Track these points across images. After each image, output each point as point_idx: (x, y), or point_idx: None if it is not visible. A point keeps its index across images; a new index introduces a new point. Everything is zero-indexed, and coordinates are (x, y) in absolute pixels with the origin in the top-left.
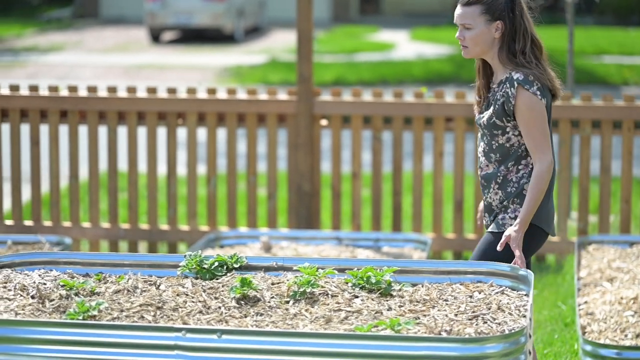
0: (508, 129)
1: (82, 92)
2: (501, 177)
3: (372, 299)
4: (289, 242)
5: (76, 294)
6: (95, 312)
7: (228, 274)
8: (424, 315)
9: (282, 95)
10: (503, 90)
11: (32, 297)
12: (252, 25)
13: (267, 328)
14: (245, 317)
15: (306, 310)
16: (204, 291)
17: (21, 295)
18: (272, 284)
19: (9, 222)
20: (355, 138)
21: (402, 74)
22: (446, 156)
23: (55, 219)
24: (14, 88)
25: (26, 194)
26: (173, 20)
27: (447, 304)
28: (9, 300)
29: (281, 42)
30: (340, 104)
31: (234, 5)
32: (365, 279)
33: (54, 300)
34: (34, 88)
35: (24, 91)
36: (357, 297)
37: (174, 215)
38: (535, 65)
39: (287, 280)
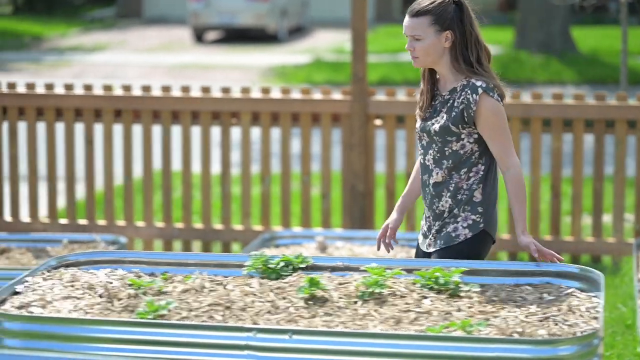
0: (463, 136)
1: (136, 92)
2: (453, 185)
3: (441, 300)
4: (344, 242)
5: (144, 293)
6: (164, 312)
7: (294, 274)
8: (494, 317)
9: (337, 95)
10: (462, 97)
11: (100, 296)
12: (295, 25)
13: (337, 328)
14: (314, 317)
15: (375, 311)
16: (272, 291)
17: (89, 294)
18: (339, 284)
19: (63, 221)
20: (410, 138)
21: None
22: None
23: (110, 218)
24: (69, 87)
25: (80, 192)
26: (216, 20)
27: (516, 306)
28: (78, 299)
29: (324, 42)
30: (394, 104)
31: (277, 5)
32: (433, 279)
33: (122, 299)
34: (88, 87)
35: (79, 90)
36: (426, 297)
37: (227, 214)
38: (488, 72)
39: (355, 280)
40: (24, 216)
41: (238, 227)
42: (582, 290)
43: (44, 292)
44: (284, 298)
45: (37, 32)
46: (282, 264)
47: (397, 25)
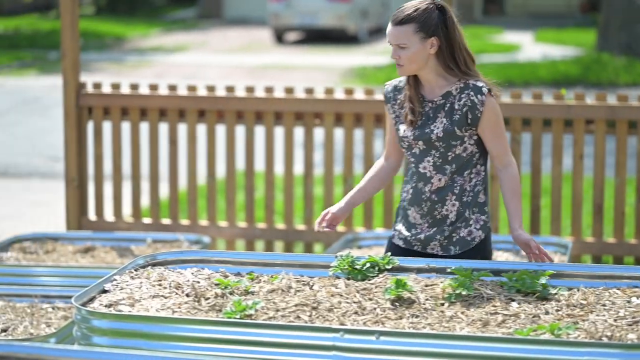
0: (465, 138)
1: (220, 92)
2: (458, 188)
3: (529, 303)
4: None
5: (231, 293)
6: (251, 311)
7: (380, 275)
8: (583, 320)
9: None
10: (464, 99)
11: (187, 295)
12: (376, 25)
13: (424, 330)
14: (401, 318)
15: (462, 313)
16: (358, 292)
17: (176, 293)
18: (426, 285)
19: (147, 220)
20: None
21: (528, 76)
22: (585, 159)
23: (193, 218)
24: (153, 87)
25: (164, 192)
26: (297, 21)
27: (605, 309)
28: (165, 298)
29: None
30: None
31: (357, 6)
32: (520, 282)
33: (209, 298)
34: (172, 88)
35: (163, 90)
36: (513, 300)
37: (310, 215)
38: (479, 74)
39: (441, 282)
40: (108, 215)
41: None
42: None
43: (132, 291)
44: (370, 299)
45: (119, 33)
46: (368, 265)
47: (479, 26)
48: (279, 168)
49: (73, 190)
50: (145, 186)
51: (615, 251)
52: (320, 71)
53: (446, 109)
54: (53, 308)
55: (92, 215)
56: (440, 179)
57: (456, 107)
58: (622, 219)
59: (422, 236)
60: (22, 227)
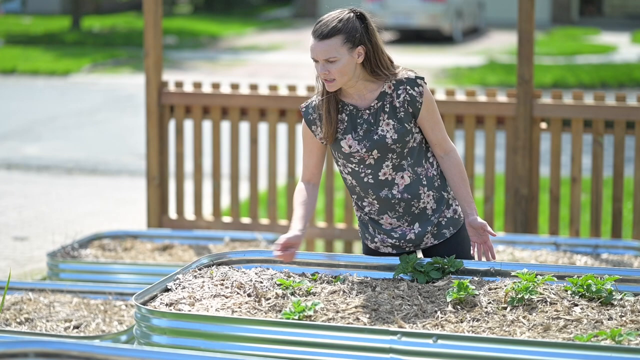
0: (413, 130)
1: (301, 91)
2: (424, 177)
3: (592, 308)
4: (505, 246)
5: (292, 294)
6: (310, 312)
7: (444, 278)
8: None
9: (501, 98)
10: (403, 95)
11: (249, 295)
12: (471, 26)
13: (483, 334)
14: (462, 322)
15: (524, 317)
16: (420, 294)
17: (238, 293)
18: (490, 289)
19: (227, 219)
20: (575, 142)
21: (624, 77)
22: None
23: (272, 217)
24: (235, 87)
25: (244, 191)
26: (391, 21)
27: None
28: (226, 297)
29: (499, 44)
30: (560, 107)
31: (452, 6)
32: (585, 286)
33: (270, 299)
34: (253, 87)
35: (244, 90)
36: (576, 305)
37: None
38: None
39: (505, 285)
40: (189, 214)
41: None
42: None
43: (194, 290)
44: (432, 302)
45: (214, 32)
46: (432, 267)
47: (574, 27)
48: None
49: (154, 188)
50: (225, 185)
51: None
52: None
53: (386, 109)
54: (126, 305)
55: (172, 214)
56: (402, 177)
57: (397, 104)
58: None
59: (411, 236)
60: (106, 224)
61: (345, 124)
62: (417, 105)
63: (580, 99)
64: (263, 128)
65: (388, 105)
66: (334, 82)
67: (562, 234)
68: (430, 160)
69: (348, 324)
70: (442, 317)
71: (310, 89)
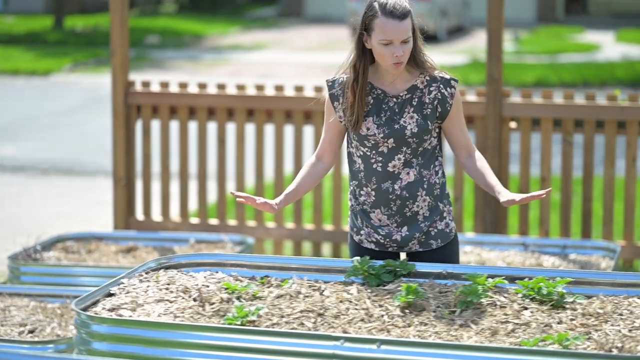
0: (434, 132)
1: (269, 91)
2: (427, 182)
3: (542, 311)
4: (473, 247)
5: (238, 298)
6: (254, 317)
7: (396, 281)
8: (596, 330)
9: (471, 97)
10: (434, 93)
11: (194, 300)
12: (456, 25)
13: (429, 339)
14: (409, 326)
15: (472, 321)
16: (369, 298)
17: (183, 298)
18: (440, 292)
19: (194, 221)
20: (545, 141)
21: (605, 76)
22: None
23: (240, 219)
24: (202, 86)
25: (212, 192)
26: None
27: (621, 319)
28: (170, 302)
29: (484, 43)
30: (530, 106)
31: (437, 5)
32: (536, 289)
33: (214, 303)
34: (221, 87)
35: (212, 89)
36: (526, 308)
37: None
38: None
39: (455, 289)
40: (156, 215)
41: None
42: None
43: (138, 295)
44: (380, 306)
45: (198, 31)
46: (384, 270)
47: (559, 26)
48: None
49: (121, 189)
50: (193, 186)
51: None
52: None
53: (414, 103)
54: None
55: (139, 215)
56: (408, 173)
57: (426, 100)
58: None
59: (397, 237)
60: (78, 226)
61: (370, 106)
62: (447, 106)
63: (550, 98)
64: (231, 128)
65: (416, 100)
66: (402, 64)
67: (532, 234)
68: (437, 168)
69: (292, 329)
70: (388, 322)
71: (278, 88)
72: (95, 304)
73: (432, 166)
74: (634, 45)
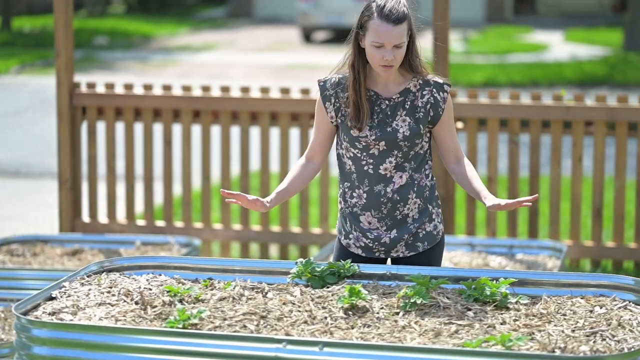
0: (425, 136)
1: (215, 92)
2: (416, 185)
3: (486, 312)
4: None
5: (180, 301)
6: (196, 320)
7: (340, 283)
8: (539, 331)
9: None
10: (427, 97)
11: (136, 303)
12: None
13: (372, 341)
14: (352, 328)
15: (416, 323)
16: (312, 300)
17: (124, 301)
18: (384, 294)
19: (141, 222)
20: (492, 141)
21: (554, 76)
22: (585, 161)
23: (187, 220)
24: (148, 87)
25: (159, 194)
26: (325, 20)
27: (565, 319)
28: (112, 305)
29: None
30: (476, 107)
31: None
32: (479, 290)
33: (156, 306)
34: (167, 88)
35: (157, 90)
36: (470, 309)
37: (305, 217)
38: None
39: (399, 290)
40: (102, 217)
41: (316, 230)
42: (637, 304)
43: (79, 298)
44: (323, 308)
45: (146, 32)
46: (328, 271)
47: (508, 26)
48: (274, 169)
49: (66, 191)
50: (139, 187)
51: (615, 255)
52: None
53: (406, 106)
54: None
55: (85, 217)
56: (401, 176)
57: (419, 104)
58: (621, 222)
59: (385, 240)
60: (24, 229)
61: None
62: (439, 110)
63: (496, 98)
64: (177, 129)
65: (409, 103)
66: (392, 68)
67: (479, 234)
68: (427, 172)
69: (234, 332)
70: (332, 324)
71: (224, 89)
72: (36, 307)
73: (422, 169)
74: (583, 45)
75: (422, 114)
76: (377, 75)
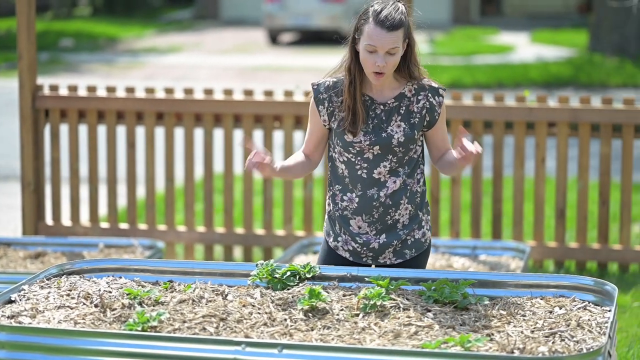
0: (419, 141)
1: (179, 94)
2: (409, 190)
3: (446, 313)
4: None
5: (140, 303)
6: (155, 323)
7: (300, 284)
8: (498, 332)
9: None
10: (422, 102)
11: (95, 306)
12: None
13: (331, 343)
14: (312, 330)
15: (375, 324)
16: (272, 302)
17: (84, 304)
18: (344, 295)
19: (104, 225)
20: (455, 142)
21: (520, 78)
22: (548, 162)
23: (151, 222)
24: (111, 90)
25: (123, 196)
26: (291, 22)
27: (524, 320)
28: (71, 308)
29: None
30: (459, 108)
31: (352, 7)
32: (439, 291)
33: (116, 309)
34: (130, 90)
35: (121, 93)
36: (429, 310)
37: (269, 219)
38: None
39: (359, 291)
40: (65, 220)
41: (280, 232)
42: (596, 304)
43: (38, 301)
44: (283, 310)
45: (112, 34)
46: (288, 273)
47: (474, 27)
48: (238, 171)
49: (29, 194)
50: (103, 190)
51: (578, 256)
52: (311, 72)
53: (402, 111)
54: None
55: (49, 220)
56: (395, 181)
57: (414, 109)
58: (585, 223)
59: (374, 245)
60: None
61: None
62: (435, 115)
63: (459, 100)
64: (140, 132)
65: (404, 108)
66: (385, 75)
67: (443, 236)
68: (419, 177)
69: (193, 334)
70: (291, 326)
71: (188, 91)
72: None
73: (415, 174)
74: (548, 46)
75: (417, 119)
76: (380, 83)
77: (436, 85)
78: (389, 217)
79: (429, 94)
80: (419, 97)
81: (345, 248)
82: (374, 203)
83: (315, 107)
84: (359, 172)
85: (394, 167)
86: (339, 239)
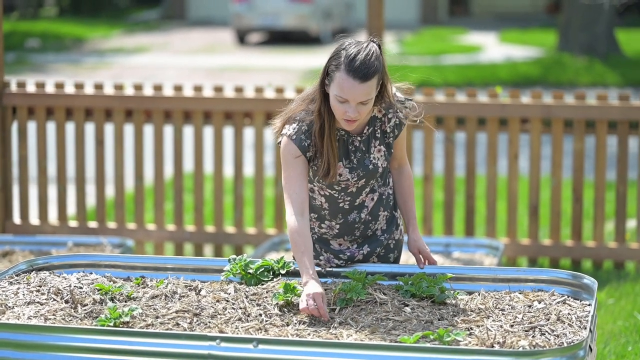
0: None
1: (148, 91)
2: (385, 199)
3: (423, 308)
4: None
5: (111, 299)
6: (127, 319)
7: (274, 280)
8: (477, 326)
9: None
10: (394, 120)
11: (66, 302)
12: (339, 27)
13: (308, 338)
14: (287, 325)
15: (352, 319)
16: (247, 297)
17: (54, 300)
18: None
19: (73, 224)
20: (428, 139)
21: (489, 77)
22: (521, 159)
23: (120, 221)
24: (79, 86)
25: (91, 194)
26: (259, 22)
27: (503, 314)
28: (41, 304)
29: None
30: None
31: (320, 7)
32: (416, 286)
33: (87, 305)
34: (98, 87)
35: (89, 89)
36: (407, 305)
37: (240, 217)
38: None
39: (335, 286)
40: (34, 218)
41: (251, 230)
42: (575, 298)
43: (7, 297)
44: (258, 305)
45: (79, 34)
46: (262, 269)
47: (442, 27)
48: (208, 170)
49: None
50: (72, 189)
51: (551, 253)
52: (279, 72)
53: (377, 135)
54: None
55: (16, 219)
56: (372, 198)
57: (387, 129)
58: (558, 220)
59: (359, 257)
60: None
61: (337, 150)
62: (402, 127)
63: (431, 96)
64: (109, 129)
65: (379, 130)
66: (356, 122)
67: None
68: (388, 179)
69: (167, 329)
70: (266, 321)
71: (157, 88)
72: None
73: (386, 180)
74: (517, 46)
75: (391, 137)
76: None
77: (402, 98)
78: (369, 230)
79: (397, 110)
80: (389, 116)
81: (330, 265)
82: (356, 225)
83: (303, 155)
84: (341, 205)
85: (374, 186)
86: (321, 257)
